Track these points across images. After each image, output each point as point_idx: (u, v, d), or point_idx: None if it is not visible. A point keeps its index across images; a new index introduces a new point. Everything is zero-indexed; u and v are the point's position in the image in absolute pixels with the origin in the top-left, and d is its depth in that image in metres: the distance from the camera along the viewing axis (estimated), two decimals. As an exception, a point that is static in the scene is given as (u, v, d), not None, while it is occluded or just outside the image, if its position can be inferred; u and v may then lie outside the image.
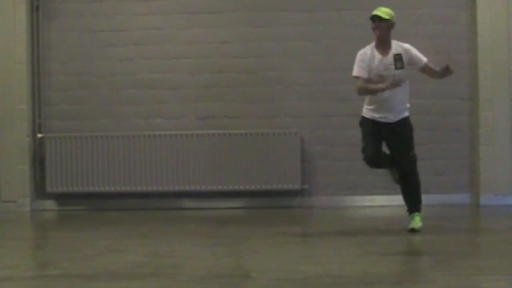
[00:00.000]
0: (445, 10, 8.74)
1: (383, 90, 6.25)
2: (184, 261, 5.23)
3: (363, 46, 8.73)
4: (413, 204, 6.60)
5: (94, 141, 8.69)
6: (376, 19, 6.45)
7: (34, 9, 8.88)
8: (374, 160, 6.44)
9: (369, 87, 6.34)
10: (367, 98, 6.50)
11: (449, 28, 8.72)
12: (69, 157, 8.68)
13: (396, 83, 6.22)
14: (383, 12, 6.46)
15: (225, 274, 4.74)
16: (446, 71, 6.35)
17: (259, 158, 8.54)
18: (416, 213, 6.55)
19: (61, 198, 8.83)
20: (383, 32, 6.44)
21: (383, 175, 8.66)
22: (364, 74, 6.39)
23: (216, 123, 8.78)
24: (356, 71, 6.43)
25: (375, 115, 6.43)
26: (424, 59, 6.46)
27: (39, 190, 8.84)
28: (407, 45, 6.51)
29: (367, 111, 6.51)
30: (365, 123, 6.49)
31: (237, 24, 8.84)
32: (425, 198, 8.61)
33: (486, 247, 5.95)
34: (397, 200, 8.65)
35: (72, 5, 8.94)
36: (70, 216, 8.33)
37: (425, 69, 6.50)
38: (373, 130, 6.42)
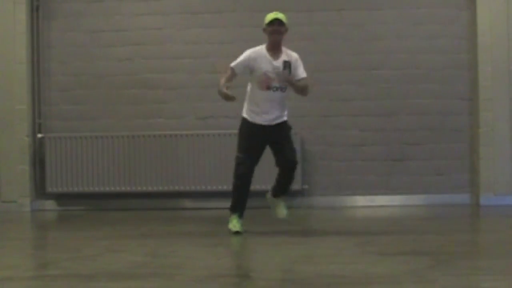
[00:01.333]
0: (445, 10, 8.75)
1: (221, 91, 6.39)
2: (184, 261, 5.23)
3: (363, 46, 8.81)
4: (281, 191, 6.80)
5: (94, 141, 8.69)
6: (276, 23, 6.46)
7: (34, 9, 8.88)
8: (247, 177, 6.68)
9: (221, 79, 6.50)
10: (248, 98, 6.63)
11: (449, 28, 8.72)
12: (69, 157, 8.68)
13: (228, 96, 6.35)
14: (282, 17, 6.49)
15: (225, 274, 4.74)
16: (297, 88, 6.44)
17: (259, 158, 8.53)
18: (281, 200, 6.77)
19: (61, 198, 8.83)
20: (279, 36, 6.48)
21: (383, 175, 8.69)
22: (239, 70, 6.51)
23: (216, 123, 8.78)
24: (233, 63, 6.53)
25: (257, 118, 6.53)
26: (302, 75, 6.49)
27: (39, 190, 8.84)
28: (296, 55, 6.54)
29: (249, 114, 6.62)
30: (245, 126, 6.63)
31: (237, 24, 8.84)
32: (425, 198, 8.68)
33: (486, 247, 5.95)
34: (397, 200, 8.69)
35: (72, 5, 8.95)
36: (70, 216, 8.33)
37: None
38: (254, 140, 6.54)
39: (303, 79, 6.49)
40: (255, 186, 8.57)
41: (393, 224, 7.11)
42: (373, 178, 8.66)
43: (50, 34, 8.95)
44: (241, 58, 6.51)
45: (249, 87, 6.61)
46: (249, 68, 6.47)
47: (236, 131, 8.63)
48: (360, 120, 8.70)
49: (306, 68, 8.89)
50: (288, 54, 6.51)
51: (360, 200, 8.66)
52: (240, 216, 6.59)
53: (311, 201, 8.68)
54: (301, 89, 6.50)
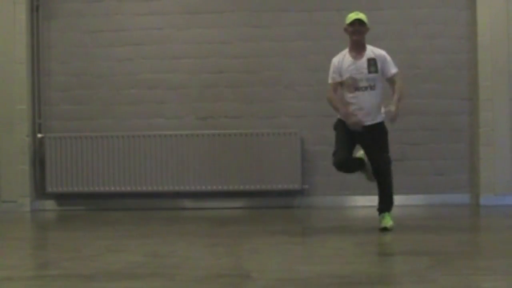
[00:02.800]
0: (445, 10, 8.75)
1: (343, 116, 6.37)
2: (184, 261, 5.23)
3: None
4: (384, 204, 6.63)
5: (94, 141, 8.69)
6: (356, 23, 6.49)
7: (34, 9, 8.88)
8: (343, 164, 6.50)
9: (334, 103, 6.48)
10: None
11: (449, 28, 8.72)
12: (69, 157, 8.68)
13: (358, 125, 6.34)
14: (362, 16, 6.50)
15: (225, 274, 4.74)
16: (391, 113, 6.38)
17: (259, 158, 8.54)
18: (387, 213, 6.57)
19: (61, 198, 8.83)
20: (361, 36, 6.50)
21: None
22: (336, 79, 6.47)
23: (216, 123, 8.78)
24: (329, 79, 6.53)
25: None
26: (393, 71, 6.49)
27: (39, 190, 8.84)
28: (382, 52, 6.54)
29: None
30: (339, 126, 6.55)
31: (237, 24, 8.85)
32: (425, 198, 8.68)
33: (486, 247, 5.95)
34: (397, 200, 8.67)
35: (72, 5, 8.95)
36: (70, 216, 8.33)
37: (390, 82, 6.54)
38: (346, 134, 6.47)
39: (394, 75, 6.45)
40: (255, 186, 8.62)
41: (393, 224, 7.10)
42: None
43: (50, 34, 8.95)
44: (330, 70, 6.51)
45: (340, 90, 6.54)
46: (339, 73, 6.44)
47: (236, 131, 8.69)
48: (360, 120, 8.69)
49: (306, 68, 8.93)
50: (374, 51, 6.48)
51: (360, 200, 8.66)
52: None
53: (311, 201, 8.68)
54: (400, 101, 6.42)
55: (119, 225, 7.47)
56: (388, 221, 6.52)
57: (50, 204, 8.85)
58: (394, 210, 8.16)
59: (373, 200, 8.58)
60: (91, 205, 8.79)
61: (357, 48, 6.48)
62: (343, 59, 6.49)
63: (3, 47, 8.75)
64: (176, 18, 8.90)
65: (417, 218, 7.63)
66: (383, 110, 6.50)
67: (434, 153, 8.69)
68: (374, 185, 8.69)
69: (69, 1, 8.96)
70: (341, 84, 6.48)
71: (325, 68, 8.73)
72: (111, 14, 8.93)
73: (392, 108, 6.32)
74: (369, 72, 6.41)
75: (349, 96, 6.46)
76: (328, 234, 6.52)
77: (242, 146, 8.57)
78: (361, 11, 8.75)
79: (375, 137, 6.49)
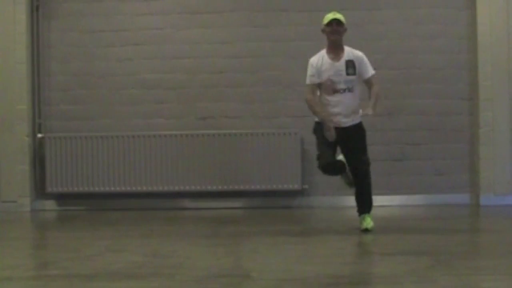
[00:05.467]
0: (445, 10, 8.75)
1: (322, 120, 6.36)
2: (184, 261, 5.23)
3: (363, 46, 8.78)
4: (364, 205, 6.63)
5: (94, 141, 8.69)
6: (334, 23, 6.45)
7: (34, 9, 8.88)
8: (328, 167, 6.50)
9: (313, 107, 6.43)
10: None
11: (449, 28, 8.72)
12: (69, 157, 8.68)
13: (331, 137, 6.34)
14: (340, 17, 6.47)
15: (225, 274, 4.74)
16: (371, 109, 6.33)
17: (259, 158, 8.54)
18: (367, 214, 6.57)
19: (61, 198, 8.83)
20: (339, 37, 6.46)
21: (383, 175, 8.69)
22: (315, 81, 6.43)
23: (216, 123, 8.78)
24: (307, 79, 6.48)
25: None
26: (370, 73, 6.45)
27: (39, 190, 8.84)
28: (360, 53, 6.50)
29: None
30: (319, 129, 6.52)
31: (237, 24, 8.85)
32: (425, 198, 8.68)
33: (486, 247, 5.95)
34: (397, 200, 8.69)
35: (72, 5, 8.95)
36: (70, 216, 8.33)
37: (367, 83, 6.50)
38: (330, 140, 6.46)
39: (371, 77, 6.41)
40: (255, 186, 8.61)
41: (393, 224, 7.11)
42: (373, 178, 8.62)
43: (50, 34, 8.95)
44: (308, 71, 6.46)
45: (318, 92, 6.52)
46: (318, 75, 6.41)
47: (236, 131, 8.69)
48: (360, 120, 8.69)
49: (306, 68, 8.87)
50: (352, 53, 6.45)
51: (360, 200, 8.65)
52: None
53: (311, 201, 8.68)
54: (376, 104, 6.39)
55: (119, 225, 7.47)
56: (369, 222, 6.53)
57: (50, 204, 8.85)
58: (395, 210, 8.18)
59: (374, 200, 8.61)
60: (91, 205, 8.79)
61: (335, 49, 6.46)
62: (321, 60, 6.44)
63: (3, 47, 8.75)
64: (176, 18, 8.90)
65: (417, 218, 7.63)
66: (361, 112, 6.47)
67: (434, 153, 8.69)
68: (374, 185, 8.70)
69: (69, 1, 8.96)
70: (319, 85, 6.46)
71: (325, 68, 8.78)
72: (111, 14, 8.93)
73: (369, 112, 6.29)
74: (348, 74, 6.39)
75: (327, 98, 6.44)
76: (328, 234, 6.52)
77: (242, 146, 8.57)
78: (361, 11, 8.82)
79: (353, 138, 6.49)
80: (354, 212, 8.25)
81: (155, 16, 8.90)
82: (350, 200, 8.63)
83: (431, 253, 5.34)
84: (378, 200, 8.62)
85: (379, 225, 6.84)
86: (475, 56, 8.57)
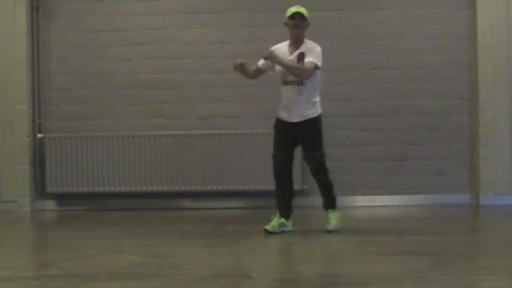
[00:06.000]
0: (445, 10, 8.75)
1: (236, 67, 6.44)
2: (184, 261, 5.23)
3: (363, 46, 8.81)
4: (326, 202, 6.65)
5: (94, 141, 8.69)
6: (297, 16, 6.40)
7: (34, 9, 8.88)
8: (279, 171, 6.57)
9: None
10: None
11: (449, 28, 8.72)
12: (69, 157, 8.68)
13: (271, 55, 6.27)
14: (303, 11, 6.42)
15: (225, 274, 4.74)
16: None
17: (259, 158, 8.53)
18: (330, 210, 6.57)
19: (61, 198, 8.83)
20: (300, 31, 6.41)
21: (383, 175, 8.69)
22: (261, 64, 6.54)
23: (216, 123, 8.78)
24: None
25: (283, 115, 6.49)
26: (308, 59, 6.31)
27: (39, 190, 8.84)
28: (313, 45, 6.43)
29: (279, 111, 6.57)
30: (278, 126, 6.55)
31: (237, 24, 8.85)
32: (425, 198, 8.68)
33: (486, 247, 5.95)
34: (397, 200, 8.69)
35: (72, 5, 8.94)
36: (70, 216, 8.33)
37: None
38: (284, 134, 6.47)
39: (308, 62, 6.29)
40: (255, 186, 8.61)
41: (393, 224, 7.11)
42: (373, 178, 8.66)
43: (50, 34, 8.95)
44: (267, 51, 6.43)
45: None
46: (270, 63, 6.42)
47: (236, 131, 8.69)
48: (360, 120, 8.70)
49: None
50: (307, 46, 6.40)
51: (360, 200, 8.66)
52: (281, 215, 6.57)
53: (311, 201, 8.67)
54: (287, 65, 6.28)
55: (119, 225, 7.47)
56: (332, 224, 6.50)
57: (50, 204, 8.85)
58: (395, 210, 8.17)
59: (373, 200, 8.64)
60: (91, 205, 8.79)
61: (295, 43, 6.42)
62: (279, 50, 6.42)
63: (3, 47, 8.75)
64: (176, 18, 8.90)
65: (417, 218, 7.63)
66: (313, 108, 6.44)
67: (434, 153, 8.69)
68: (374, 185, 8.71)
69: (69, 1, 8.95)
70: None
71: (325, 68, 8.75)
72: (111, 14, 8.93)
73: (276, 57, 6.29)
74: None
75: (282, 89, 6.47)
76: (328, 234, 6.51)
77: (242, 146, 8.57)
78: (361, 11, 8.81)
79: (306, 134, 6.46)
80: (354, 212, 8.26)
81: (155, 16, 8.90)
82: (350, 200, 8.66)
83: (431, 253, 5.34)
84: (378, 200, 8.65)
85: (379, 225, 6.85)
86: (475, 56, 8.57)
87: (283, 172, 6.56)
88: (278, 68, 6.40)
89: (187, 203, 8.77)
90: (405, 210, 8.27)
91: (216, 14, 8.86)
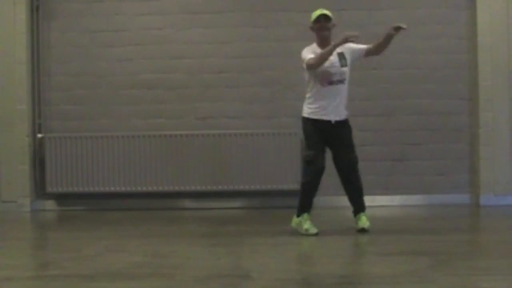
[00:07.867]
0: (445, 10, 8.75)
1: (335, 47, 6.27)
2: (184, 261, 5.23)
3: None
4: (360, 204, 6.66)
5: (94, 141, 8.69)
6: (322, 19, 6.45)
7: (34, 9, 8.88)
8: (320, 174, 6.52)
9: (317, 57, 6.29)
10: (310, 96, 6.50)
11: (449, 28, 8.72)
12: (69, 157, 8.68)
13: (346, 38, 6.24)
14: (328, 13, 6.49)
15: (225, 274, 4.74)
16: (389, 36, 6.52)
17: (259, 158, 8.54)
18: (362, 213, 6.59)
19: (61, 198, 8.83)
20: (328, 32, 6.47)
21: (383, 175, 8.70)
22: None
23: (216, 123, 8.78)
24: (307, 57, 6.38)
25: (321, 115, 6.45)
26: (364, 46, 6.56)
27: (39, 190, 8.84)
28: (346, 44, 6.46)
29: (310, 112, 6.52)
30: (309, 127, 6.49)
31: (237, 24, 8.85)
32: (425, 198, 8.68)
33: (486, 247, 5.96)
34: (397, 200, 8.69)
35: (72, 5, 8.95)
36: (70, 216, 8.33)
37: (370, 50, 6.60)
38: (319, 135, 6.44)
39: (368, 46, 6.57)
40: (255, 186, 8.62)
41: (393, 224, 7.11)
42: (373, 178, 8.65)
43: (50, 34, 8.95)
44: (305, 53, 6.40)
45: (309, 87, 6.50)
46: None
47: (236, 131, 8.69)
48: (360, 120, 8.69)
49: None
50: (341, 46, 6.44)
51: (360, 200, 8.65)
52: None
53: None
54: (386, 39, 6.56)
55: (119, 225, 7.47)
56: (365, 222, 6.54)
57: (50, 204, 8.85)
58: (395, 210, 8.18)
59: (373, 200, 8.63)
60: (91, 205, 8.79)
61: (325, 45, 6.43)
62: (314, 53, 6.40)
63: (3, 47, 8.75)
64: (176, 18, 8.90)
65: (417, 218, 7.63)
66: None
67: (434, 153, 8.69)
68: (374, 185, 8.72)
69: (69, 1, 8.96)
70: (313, 77, 6.44)
71: (325, 68, 8.78)
72: (111, 14, 8.93)
73: (403, 25, 6.54)
74: (341, 66, 6.44)
75: (322, 89, 6.43)
76: (328, 234, 6.52)
77: (242, 146, 8.57)
78: (361, 11, 8.82)
79: (343, 134, 6.51)
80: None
81: (155, 16, 8.90)
82: (350, 200, 8.65)
83: (431, 253, 5.34)
84: (378, 200, 8.64)
85: (379, 225, 6.85)
86: (475, 56, 8.57)
87: (322, 173, 6.51)
88: (320, 69, 6.36)
89: (187, 203, 8.77)
90: (405, 210, 8.27)
91: (216, 14, 8.86)
